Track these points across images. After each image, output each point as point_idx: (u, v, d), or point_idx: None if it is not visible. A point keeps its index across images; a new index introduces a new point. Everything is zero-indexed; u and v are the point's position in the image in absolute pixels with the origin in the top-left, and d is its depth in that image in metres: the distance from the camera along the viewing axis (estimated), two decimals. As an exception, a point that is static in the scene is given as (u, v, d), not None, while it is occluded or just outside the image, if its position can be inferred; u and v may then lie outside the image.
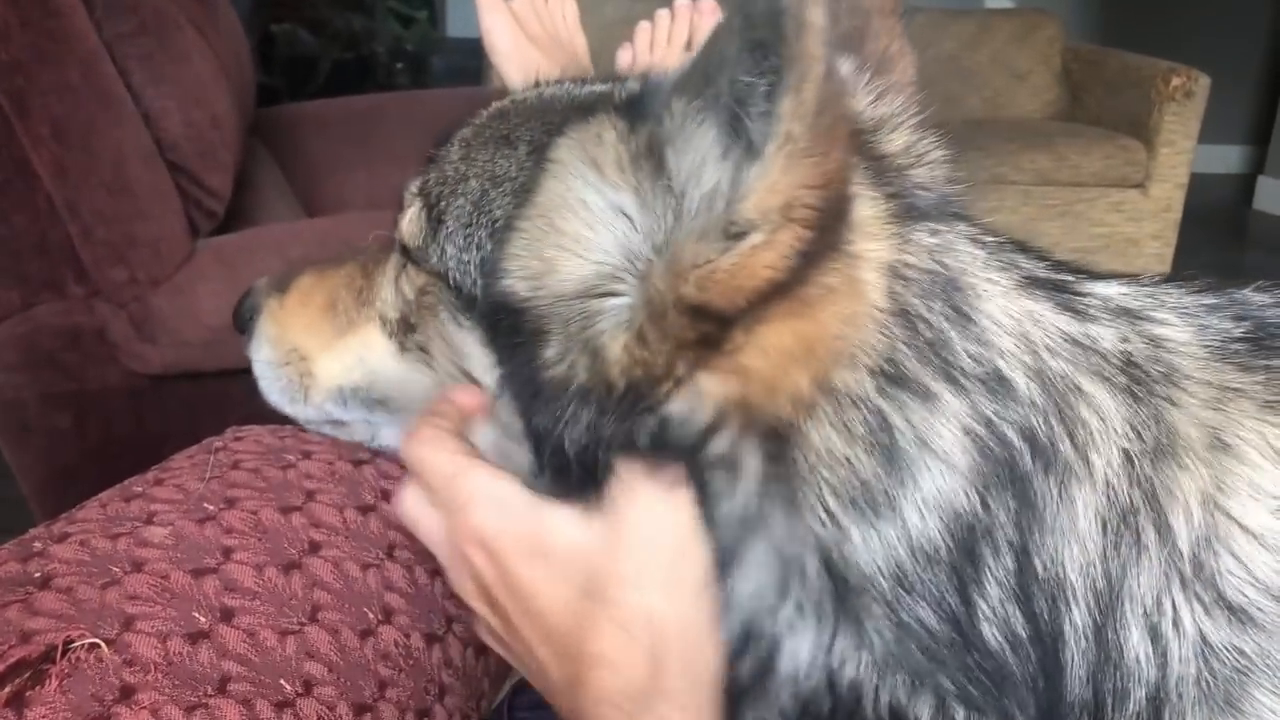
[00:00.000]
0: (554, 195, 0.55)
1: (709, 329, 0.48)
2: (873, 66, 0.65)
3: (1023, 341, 0.51)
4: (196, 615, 0.66)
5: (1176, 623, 0.48)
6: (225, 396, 1.50)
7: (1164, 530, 0.49)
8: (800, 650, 0.51)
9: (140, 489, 0.77)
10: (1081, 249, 3.91)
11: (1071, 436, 0.50)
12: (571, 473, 0.53)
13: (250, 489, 0.76)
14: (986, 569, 0.49)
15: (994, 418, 0.50)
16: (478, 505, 0.56)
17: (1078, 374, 0.51)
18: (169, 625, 0.65)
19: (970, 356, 0.50)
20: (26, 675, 0.59)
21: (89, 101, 1.29)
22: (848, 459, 0.49)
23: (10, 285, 1.32)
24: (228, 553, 0.70)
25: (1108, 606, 0.49)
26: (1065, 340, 0.52)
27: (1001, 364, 0.50)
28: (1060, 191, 3.88)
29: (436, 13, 5.23)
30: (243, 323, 0.78)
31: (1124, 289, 0.56)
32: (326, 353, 0.73)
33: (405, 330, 0.68)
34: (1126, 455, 0.50)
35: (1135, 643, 0.48)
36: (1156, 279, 0.58)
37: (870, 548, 0.49)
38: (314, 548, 0.73)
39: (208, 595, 0.68)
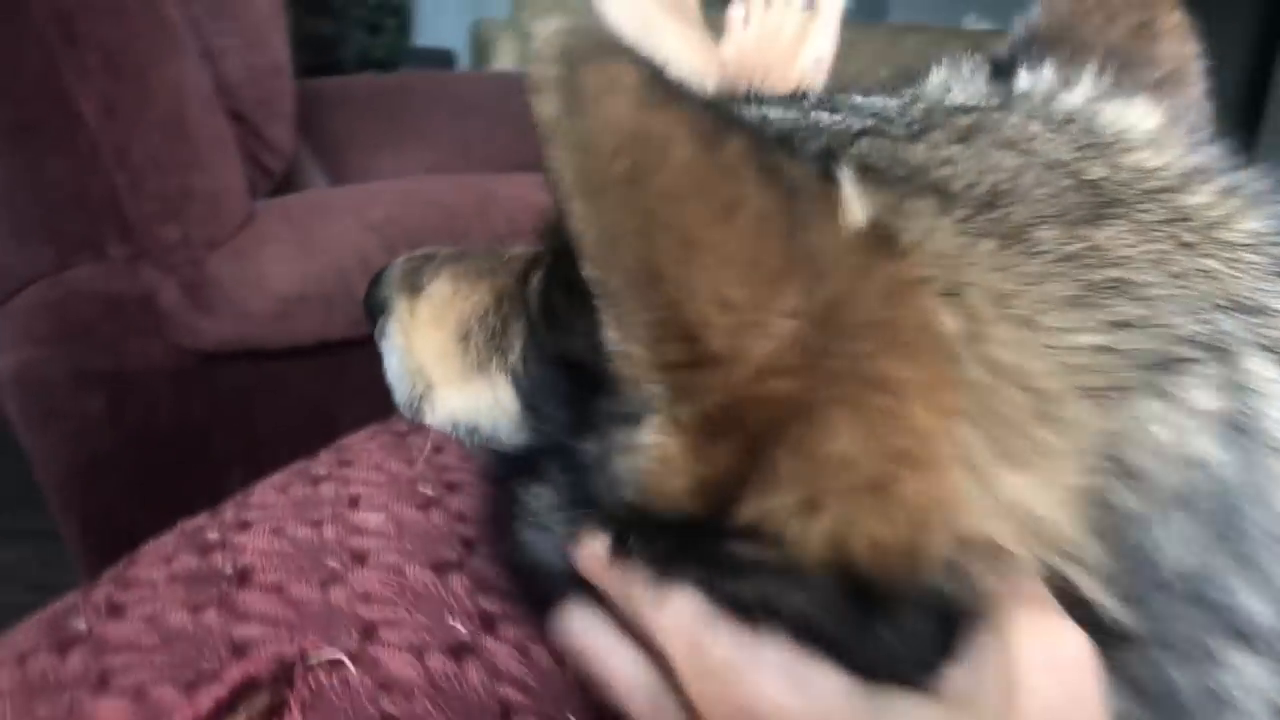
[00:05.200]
0: None
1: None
2: (1163, 78, 0.50)
3: None
4: (451, 623, 0.50)
5: None
6: (283, 380, 1.31)
7: None
8: None
9: (322, 470, 0.60)
10: None
11: None
12: None
13: (468, 472, 0.60)
14: None
15: None
16: (761, 671, 0.37)
17: None
18: (420, 635, 0.48)
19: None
20: (258, 700, 0.43)
21: (148, 30, 1.10)
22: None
23: (42, 243, 1.12)
24: (468, 545, 0.54)
25: None
26: None
27: None
28: None
29: (406, 21, 5.07)
30: (372, 314, 0.67)
31: None
32: (451, 388, 0.61)
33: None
34: None
35: None
36: None
37: None
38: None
39: (459, 596, 0.51)
